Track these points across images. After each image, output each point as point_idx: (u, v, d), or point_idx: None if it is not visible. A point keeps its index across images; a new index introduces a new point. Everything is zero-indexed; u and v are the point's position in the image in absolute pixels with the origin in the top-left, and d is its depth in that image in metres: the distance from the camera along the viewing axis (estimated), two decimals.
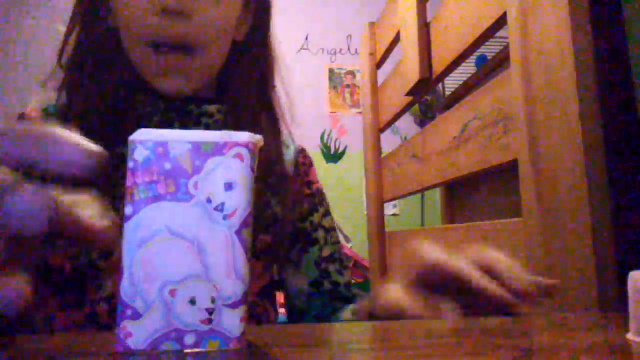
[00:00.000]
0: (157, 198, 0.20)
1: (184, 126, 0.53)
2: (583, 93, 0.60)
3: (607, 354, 0.21)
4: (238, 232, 0.20)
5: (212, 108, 0.55)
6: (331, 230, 0.64)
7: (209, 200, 0.20)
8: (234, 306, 0.20)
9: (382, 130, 1.59)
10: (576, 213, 0.60)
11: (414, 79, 1.18)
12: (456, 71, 1.14)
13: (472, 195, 1.45)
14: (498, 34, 0.88)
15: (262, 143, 0.21)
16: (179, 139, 0.20)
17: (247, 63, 0.57)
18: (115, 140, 0.49)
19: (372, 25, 1.64)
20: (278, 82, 0.62)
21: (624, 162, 0.60)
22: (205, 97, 0.56)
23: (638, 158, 0.60)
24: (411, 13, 1.20)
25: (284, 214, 0.56)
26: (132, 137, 0.20)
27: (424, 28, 1.16)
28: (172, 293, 0.20)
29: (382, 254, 1.51)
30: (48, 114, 0.52)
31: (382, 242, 1.52)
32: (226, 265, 0.20)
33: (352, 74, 3.46)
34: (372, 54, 1.63)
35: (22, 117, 0.52)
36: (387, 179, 1.51)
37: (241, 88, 0.56)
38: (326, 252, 0.62)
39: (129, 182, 0.20)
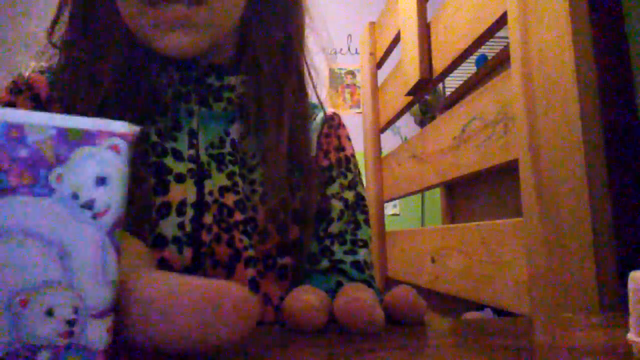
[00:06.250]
0: (8, 191, 0.17)
1: (203, 101, 0.48)
2: (583, 93, 0.60)
3: (607, 354, 0.21)
4: (109, 233, 0.18)
5: (235, 80, 0.48)
6: (353, 206, 0.54)
7: (75, 196, 0.18)
8: (100, 316, 0.18)
9: (382, 130, 1.59)
10: (576, 213, 0.60)
11: (414, 78, 1.18)
12: (456, 71, 1.14)
13: (472, 195, 1.45)
14: (498, 34, 0.88)
15: (137, 133, 0.19)
16: (40, 123, 0.17)
17: (270, 19, 0.49)
18: (127, 118, 0.45)
19: (372, 25, 1.64)
20: (310, 40, 0.53)
21: (624, 162, 0.60)
22: (224, 66, 0.49)
23: (638, 158, 0.60)
24: (411, 13, 1.20)
25: (308, 201, 0.49)
26: None
27: (424, 28, 1.16)
28: (24, 303, 0.17)
29: (382, 253, 1.51)
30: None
31: (382, 242, 1.52)
32: (94, 270, 0.18)
33: (352, 74, 3.46)
34: (372, 54, 1.63)
35: (17, 79, 0.47)
36: (387, 179, 1.51)
37: (263, 50, 0.49)
38: (334, 229, 0.52)
39: None
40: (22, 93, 0.46)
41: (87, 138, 0.18)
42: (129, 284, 0.20)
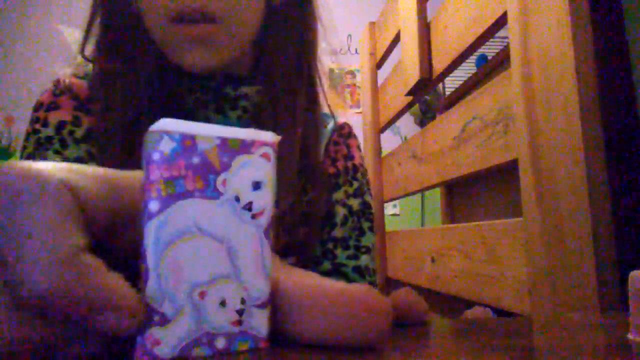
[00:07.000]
0: (186, 194, 0.18)
1: (220, 109, 0.50)
2: (583, 93, 0.60)
3: (607, 354, 0.21)
4: (265, 232, 0.20)
5: (250, 90, 0.51)
6: (357, 213, 0.56)
7: (237, 199, 0.20)
8: (262, 306, 0.20)
9: (382, 130, 1.59)
10: (576, 213, 0.60)
11: (414, 78, 1.18)
12: (456, 71, 1.14)
13: (472, 195, 1.45)
14: (498, 34, 0.88)
15: (279, 142, 0.21)
16: (207, 133, 0.19)
17: (284, 32, 0.51)
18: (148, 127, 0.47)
19: (372, 25, 1.64)
20: (324, 52, 0.56)
21: (624, 162, 0.60)
22: (241, 76, 0.52)
23: (638, 158, 0.60)
24: (411, 13, 1.20)
25: (315, 204, 0.52)
26: (154, 127, 0.19)
27: (424, 28, 1.16)
28: (202, 295, 0.19)
29: (382, 254, 1.51)
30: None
31: (382, 242, 1.52)
32: (255, 265, 0.20)
33: (352, 73, 3.46)
34: (372, 54, 1.63)
35: (57, 84, 0.50)
36: (387, 179, 1.51)
37: (277, 62, 0.51)
38: (338, 233, 0.54)
39: (153, 176, 0.18)
40: (64, 94, 0.50)
41: (244, 147, 0.20)
42: (278, 282, 0.21)
